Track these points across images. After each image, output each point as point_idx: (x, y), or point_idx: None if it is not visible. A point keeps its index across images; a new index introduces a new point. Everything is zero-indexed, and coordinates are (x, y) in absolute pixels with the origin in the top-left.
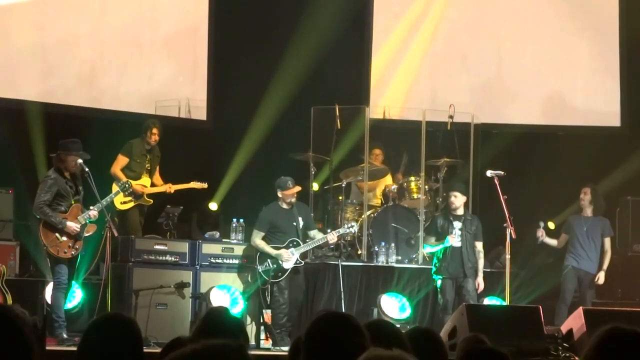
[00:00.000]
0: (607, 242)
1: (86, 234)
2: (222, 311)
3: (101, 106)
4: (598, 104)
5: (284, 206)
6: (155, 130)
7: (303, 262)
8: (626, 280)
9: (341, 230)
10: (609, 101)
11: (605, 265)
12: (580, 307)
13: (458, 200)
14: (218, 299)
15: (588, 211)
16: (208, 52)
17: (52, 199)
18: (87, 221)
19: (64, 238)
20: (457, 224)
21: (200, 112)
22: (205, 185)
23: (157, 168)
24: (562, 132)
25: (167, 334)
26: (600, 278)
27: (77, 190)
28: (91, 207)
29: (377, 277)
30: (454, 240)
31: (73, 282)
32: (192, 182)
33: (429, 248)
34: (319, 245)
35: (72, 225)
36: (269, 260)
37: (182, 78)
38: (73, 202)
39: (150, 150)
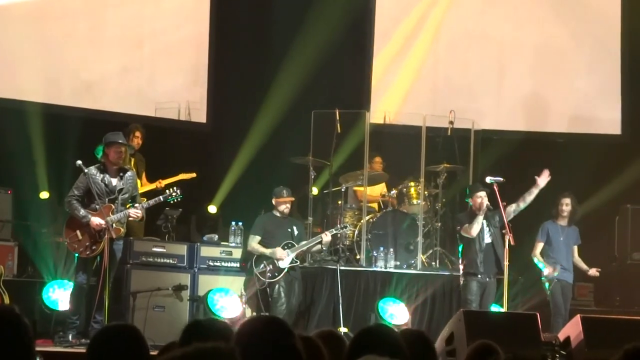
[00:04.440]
0: (576, 249)
1: (113, 237)
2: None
3: (101, 108)
4: (599, 112)
5: (278, 214)
6: (137, 134)
7: (298, 262)
8: (625, 289)
9: (334, 230)
10: (609, 109)
11: (585, 266)
12: (578, 315)
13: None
14: (218, 302)
15: (564, 220)
16: (209, 55)
17: (83, 195)
18: (117, 222)
19: (84, 236)
20: (484, 221)
21: (200, 115)
22: (193, 175)
23: (144, 174)
24: (562, 139)
25: (164, 337)
26: (592, 271)
27: (113, 190)
28: (136, 205)
29: (375, 282)
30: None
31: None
32: (180, 174)
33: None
34: (314, 247)
35: (96, 221)
36: (264, 261)
37: (183, 80)
38: (107, 202)
39: (133, 155)
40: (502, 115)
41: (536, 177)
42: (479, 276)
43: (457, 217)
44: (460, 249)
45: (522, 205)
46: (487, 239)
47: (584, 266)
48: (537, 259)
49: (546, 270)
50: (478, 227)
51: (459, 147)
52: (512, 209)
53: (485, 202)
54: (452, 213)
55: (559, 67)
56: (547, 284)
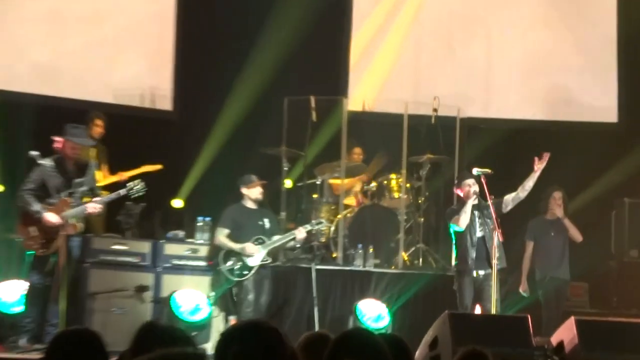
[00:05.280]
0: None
1: (69, 233)
2: (161, 325)
3: (57, 94)
4: (594, 99)
5: (249, 205)
6: (98, 122)
7: (270, 260)
8: (622, 289)
9: (309, 226)
10: (605, 95)
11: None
12: (572, 317)
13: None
14: (183, 304)
15: (553, 214)
16: (175, 38)
17: (37, 188)
18: (74, 218)
19: (39, 233)
20: (477, 213)
21: (165, 102)
22: (159, 167)
23: (105, 166)
24: (554, 128)
25: (124, 342)
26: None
27: (70, 183)
28: (94, 199)
29: (353, 283)
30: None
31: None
32: (144, 166)
33: None
34: (287, 244)
35: (49, 217)
36: (233, 258)
37: (146, 64)
38: (64, 196)
39: (95, 145)
40: (490, 102)
41: (535, 158)
42: (473, 273)
43: (447, 212)
44: (454, 246)
45: (522, 193)
46: (479, 233)
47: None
48: (523, 265)
49: (521, 286)
50: (466, 217)
51: (443, 137)
52: (511, 197)
53: (474, 189)
54: (436, 207)
55: (550, 51)
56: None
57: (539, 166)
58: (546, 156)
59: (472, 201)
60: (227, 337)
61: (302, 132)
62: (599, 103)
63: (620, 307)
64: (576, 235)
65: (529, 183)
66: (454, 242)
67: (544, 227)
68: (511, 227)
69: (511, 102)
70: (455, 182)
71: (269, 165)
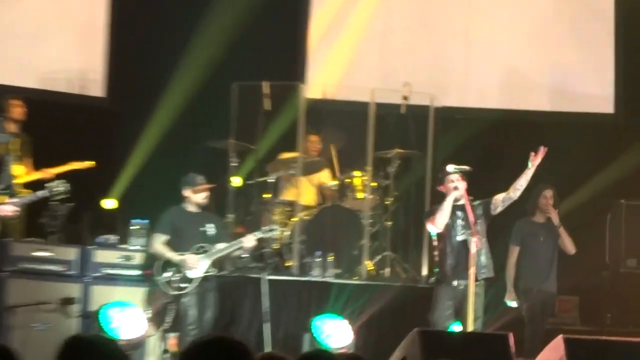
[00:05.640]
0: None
1: None
2: (90, 338)
3: None
4: (587, 87)
5: (191, 209)
6: (16, 102)
7: (215, 271)
8: (617, 303)
9: (259, 233)
10: (600, 83)
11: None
12: (560, 336)
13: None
14: (114, 320)
15: (543, 216)
16: (107, 15)
17: None
18: None
19: None
20: (459, 214)
21: (96, 88)
22: (91, 164)
23: (30, 161)
24: (542, 119)
25: None
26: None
27: None
28: (7, 201)
29: (310, 295)
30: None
31: None
32: (73, 163)
33: None
34: (234, 252)
35: None
36: (171, 269)
37: (75, 44)
38: None
39: (18, 135)
40: (469, 90)
41: (531, 153)
42: (452, 283)
43: (427, 212)
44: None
45: (514, 193)
46: (460, 237)
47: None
48: (507, 272)
49: (508, 295)
50: (444, 217)
51: (414, 129)
52: (501, 198)
53: (455, 185)
54: (406, 209)
55: (540, 33)
56: (514, 303)
57: (534, 162)
58: (543, 151)
59: (452, 199)
60: (189, 355)
61: (253, 122)
62: (594, 92)
63: (615, 324)
64: (570, 246)
65: (522, 182)
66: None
67: (532, 231)
68: (496, 230)
69: (493, 90)
70: (440, 176)
71: (214, 161)
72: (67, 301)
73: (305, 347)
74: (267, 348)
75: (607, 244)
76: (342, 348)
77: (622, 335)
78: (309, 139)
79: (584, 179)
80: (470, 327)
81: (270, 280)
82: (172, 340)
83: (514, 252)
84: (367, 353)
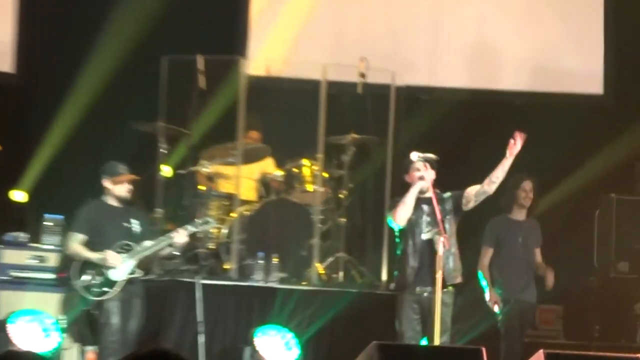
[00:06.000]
0: (538, 253)
1: None
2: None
3: None
4: (573, 64)
5: (112, 202)
6: None
7: (141, 274)
8: (607, 314)
9: (191, 227)
10: (587, 60)
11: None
12: (541, 351)
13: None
14: (23, 330)
15: (522, 212)
16: None
17: None
18: None
19: None
20: (425, 208)
21: (4, 63)
22: None
23: None
24: (520, 100)
25: None
26: (549, 277)
27: None
28: None
29: (251, 303)
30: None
31: None
32: None
33: None
34: (163, 250)
35: None
36: (91, 270)
37: None
38: None
39: None
40: (437, 67)
41: (510, 140)
42: (416, 289)
43: (390, 203)
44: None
45: (489, 187)
46: (426, 235)
47: (547, 272)
48: (482, 273)
49: (487, 295)
50: (406, 210)
51: (373, 111)
52: (474, 191)
53: (421, 174)
54: (363, 204)
55: (518, 3)
56: (496, 307)
57: (511, 150)
58: (520, 137)
59: (417, 190)
60: None
61: (186, 103)
62: (580, 69)
63: (604, 337)
64: (549, 281)
65: (498, 173)
66: (399, 247)
67: (509, 230)
68: (467, 229)
69: (464, 67)
70: (403, 166)
71: (141, 147)
72: None
73: None
74: None
75: (595, 244)
76: None
77: (612, 351)
78: (248, 135)
79: (569, 169)
80: (437, 341)
81: (205, 285)
82: (91, 355)
83: (487, 254)
84: None
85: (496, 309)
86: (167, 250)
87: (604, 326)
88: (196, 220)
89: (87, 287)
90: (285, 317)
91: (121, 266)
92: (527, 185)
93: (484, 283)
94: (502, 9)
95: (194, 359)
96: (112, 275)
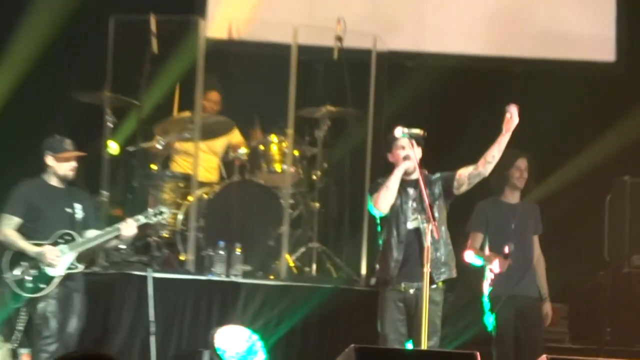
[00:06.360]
0: (536, 242)
1: None
2: None
3: None
4: (581, 28)
5: (53, 182)
6: None
7: (83, 267)
8: (619, 314)
9: (142, 218)
10: (598, 25)
11: (546, 287)
12: (544, 356)
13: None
14: None
15: (515, 195)
16: None
17: None
18: None
19: None
20: (411, 192)
21: None
22: None
23: None
24: (520, 68)
25: None
26: (549, 313)
27: None
28: None
29: (211, 300)
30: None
31: None
32: None
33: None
34: (108, 242)
35: None
36: (25, 263)
37: None
38: None
39: None
40: (425, 29)
41: (507, 114)
42: (401, 286)
43: (371, 187)
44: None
45: (484, 168)
46: (411, 224)
47: (543, 283)
48: (475, 255)
49: (495, 265)
50: (389, 195)
51: (352, 80)
52: (467, 173)
53: (407, 153)
54: (340, 187)
55: None
56: (488, 305)
57: (508, 126)
58: (514, 110)
59: (402, 171)
60: None
61: (136, 69)
62: (590, 34)
63: (616, 341)
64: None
65: (494, 152)
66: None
67: (501, 215)
68: (458, 215)
69: (457, 30)
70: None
71: (84, 120)
72: None
73: None
74: None
75: (606, 234)
76: None
77: (625, 357)
78: (207, 96)
79: (575, 147)
80: (424, 344)
81: (157, 280)
82: (26, 358)
83: (477, 240)
84: None
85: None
86: (112, 243)
87: (615, 328)
88: (148, 209)
89: (20, 283)
90: (249, 316)
91: (60, 261)
92: (522, 163)
93: (478, 262)
94: None
95: None
96: (50, 270)
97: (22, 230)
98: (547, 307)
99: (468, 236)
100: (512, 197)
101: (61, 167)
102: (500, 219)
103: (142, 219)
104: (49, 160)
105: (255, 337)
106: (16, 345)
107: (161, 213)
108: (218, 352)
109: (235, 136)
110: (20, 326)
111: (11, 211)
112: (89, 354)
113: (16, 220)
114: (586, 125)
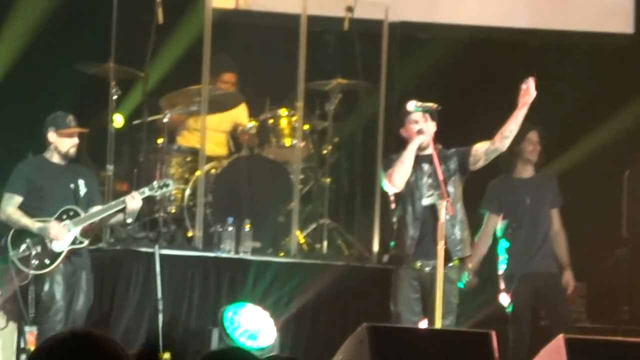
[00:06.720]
0: (556, 215)
1: None
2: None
3: None
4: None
5: (56, 159)
6: None
7: (86, 241)
8: (637, 294)
9: (147, 190)
10: None
11: (567, 257)
12: (561, 335)
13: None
14: None
15: (528, 169)
16: None
17: None
18: None
19: None
20: (426, 168)
21: None
22: None
23: None
24: (535, 41)
25: None
26: (570, 282)
27: None
28: None
29: (220, 277)
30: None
31: None
32: None
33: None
34: (113, 216)
35: None
36: (29, 240)
37: None
38: None
39: None
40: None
41: (523, 87)
42: (416, 264)
43: (384, 163)
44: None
45: (501, 143)
46: (427, 200)
47: (564, 255)
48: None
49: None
50: (404, 172)
51: (363, 52)
52: (484, 148)
53: (421, 128)
54: (351, 162)
55: None
56: (503, 284)
57: (524, 99)
58: (532, 83)
59: (416, 146)
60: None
61: (141, 40)
62: (607, 5)
63: (633, 320)
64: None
65: (511, 126)
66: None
67: (514, 192)
68: (473, 192)
69: (472, 0)
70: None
71: (88, 93)
72: None
73: (214, 347)
74: (160, 348)
75: (625, 211)
76: (264, 348)
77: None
78: (222, 78)
79: (593, 122)
80: (438, 323)
81: (165, 256)
82: (31, 336)
83: (491, 223)
84: (297, 355)
85: (506, 300)
86: (118, 217)
87: (634, 307)
88: (154, 182)
89: (25, 259)
90: (259, 294)
91: (65, 236)
92: (533, 136)
93: (501, 257)
94: None
95: (153, 342)
96: (54, 246)
97: (25, 209)
98: (568, 276)
99: (482, 216)
100: (525, 172)
101: (63, 143)
102: (515, 196)
103: (147, 192)
104: (51, 136)
105: (266, 314)
106: (21, 323)
107: (167, 185)
108: (227, 331)
109: (241, 112)
110: (26, 304)
111: (12, 189)
112: (76, 332)
113: (18, 199)
114: (603, 98)
